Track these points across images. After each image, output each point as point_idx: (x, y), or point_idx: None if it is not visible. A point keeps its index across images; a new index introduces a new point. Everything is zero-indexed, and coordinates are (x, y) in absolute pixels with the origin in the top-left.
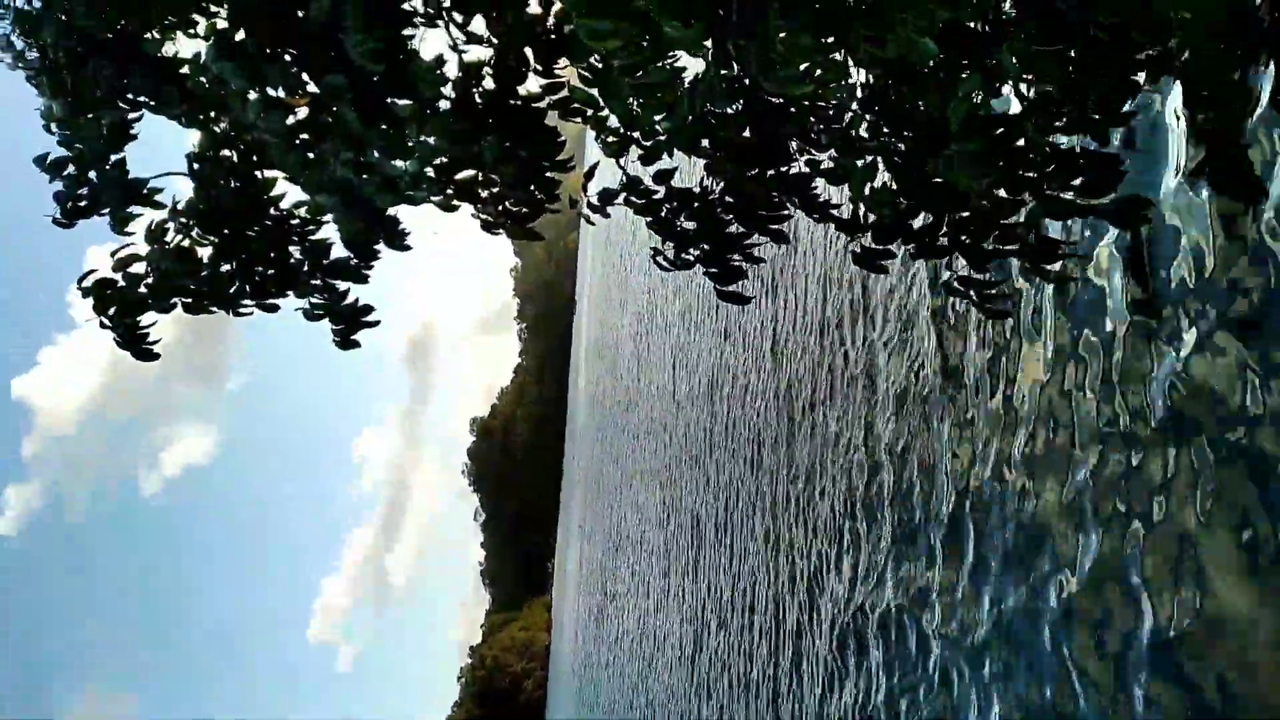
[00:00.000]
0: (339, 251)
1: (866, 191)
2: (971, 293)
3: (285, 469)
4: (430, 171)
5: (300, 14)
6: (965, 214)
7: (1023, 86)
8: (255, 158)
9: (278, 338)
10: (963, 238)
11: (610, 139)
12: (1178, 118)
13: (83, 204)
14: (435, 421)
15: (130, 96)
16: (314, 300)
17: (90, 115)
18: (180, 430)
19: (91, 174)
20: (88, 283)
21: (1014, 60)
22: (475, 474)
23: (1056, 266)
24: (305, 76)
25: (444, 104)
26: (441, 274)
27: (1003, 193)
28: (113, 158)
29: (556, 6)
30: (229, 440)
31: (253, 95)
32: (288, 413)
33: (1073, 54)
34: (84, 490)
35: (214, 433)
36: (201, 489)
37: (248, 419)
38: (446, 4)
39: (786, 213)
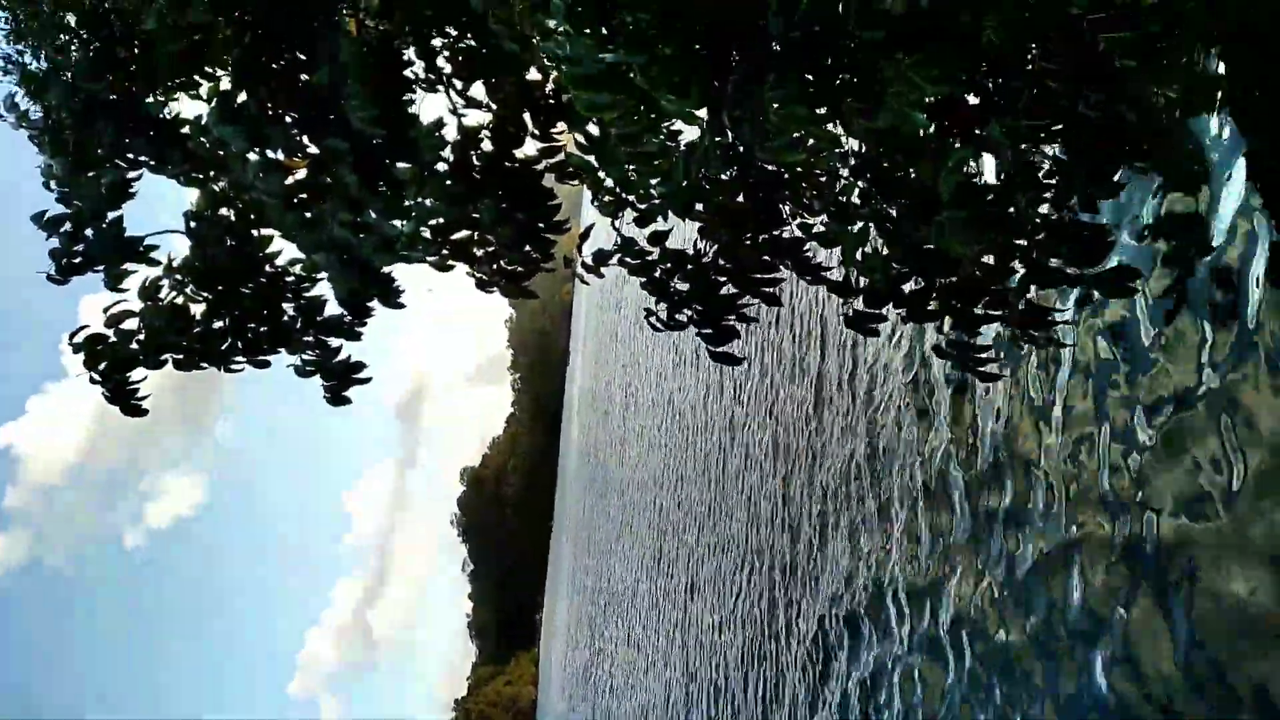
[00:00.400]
0: (332, 308)
1: (859, 256)
2: (962, 356)
3: (273, 519)
4: (426, 232)
5: (303, 78)
6: (955, 279)
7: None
8: (253, 216)
9: (268, 388)
10: (953, 303)
11: (606, 200)
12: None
13: (78, 260)
14: (426, 473)
15: (130, 156)
16: (305, 357)
17: (90, 174)
18: (167, 481)
19: (88, 231)
20: (79, 339)
21: (1003, 133)
22: (465, 525)
23: (1046, 333)
24: (305, 139)
25: (442, 166)
26: (435, 324)
27: (992, 259)
28: (110, 215)
29: (555, 74)
30: (216, 490)
31: (253, 156)
32: (277, 463)
33: (1061, 130)
34: (68, 540)
35: (201, 483)
36: (186, 539)
37: (236, 468)
38: (448, 70)
39: (779, 275)
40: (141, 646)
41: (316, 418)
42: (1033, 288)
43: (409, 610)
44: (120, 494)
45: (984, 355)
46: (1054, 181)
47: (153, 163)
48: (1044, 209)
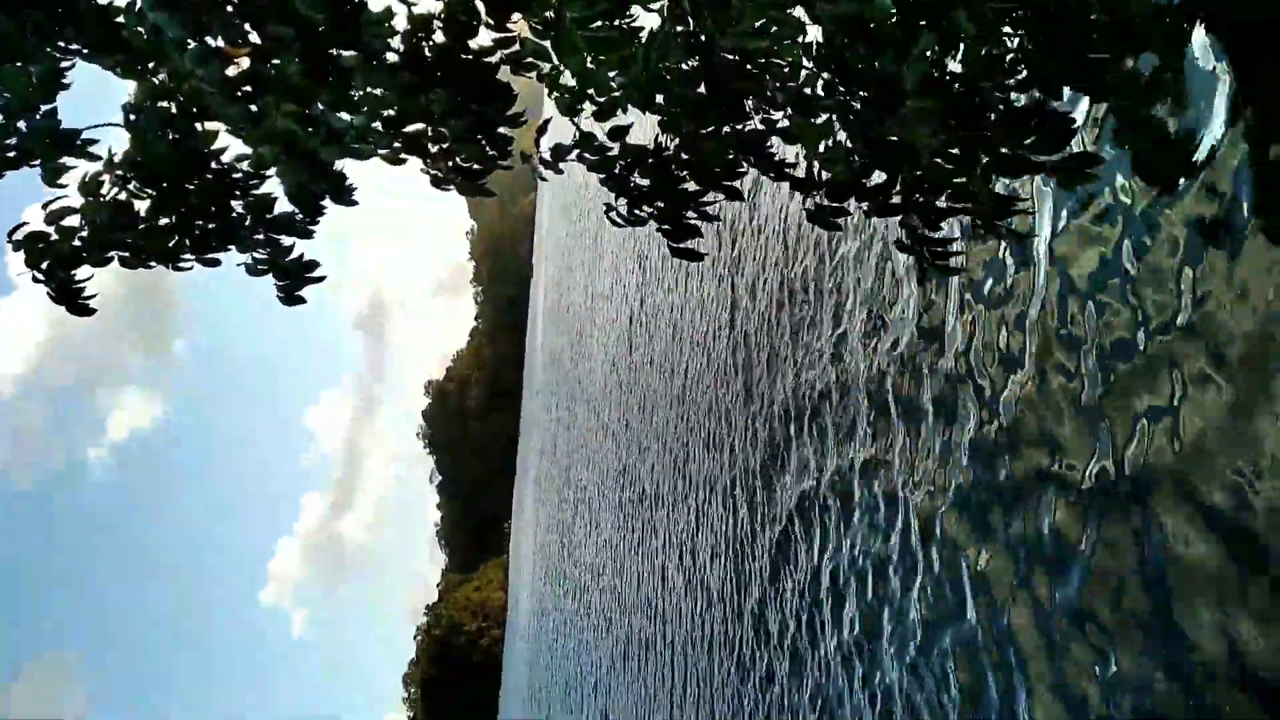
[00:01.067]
0: (283, 206)
1: (821, 149)
2: (923, 250)
3: (236, 435)
4: (378, 125)
5: None
6: (919, 172)
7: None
8: (195, 109)
9: (223, 301)
10: (916, 196)
11: (564, 95)
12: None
13: (11, 155)
14: (390, 386)
15: (62, 45)
16: (257, 255)
17: (19, 65)
18: (125, 396)
19: (21, 124)
20: (19, 235)
21: (970, 20)
22: (430, 437)
23: (1010, 223)
24: (247, 26)
25: (392, 57)
26: (394, 238)
27: (957, 151)
28: (44, 108)
29: None
30: (177, 405)
31: (191, 44)
32: (238, 378)
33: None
34: (26, 458)
35: (160, 399)
36: (150, 454)
37: (196, 384)
38: None
39: (742, 170)
40: (110, 559)
41: (274, 337)
42: (997, 178)
43: (377, 522)
44: (77, 409)
45: (945, 249)
46: (1021, 70)
47: (86, 52)
48: (1011, 98)
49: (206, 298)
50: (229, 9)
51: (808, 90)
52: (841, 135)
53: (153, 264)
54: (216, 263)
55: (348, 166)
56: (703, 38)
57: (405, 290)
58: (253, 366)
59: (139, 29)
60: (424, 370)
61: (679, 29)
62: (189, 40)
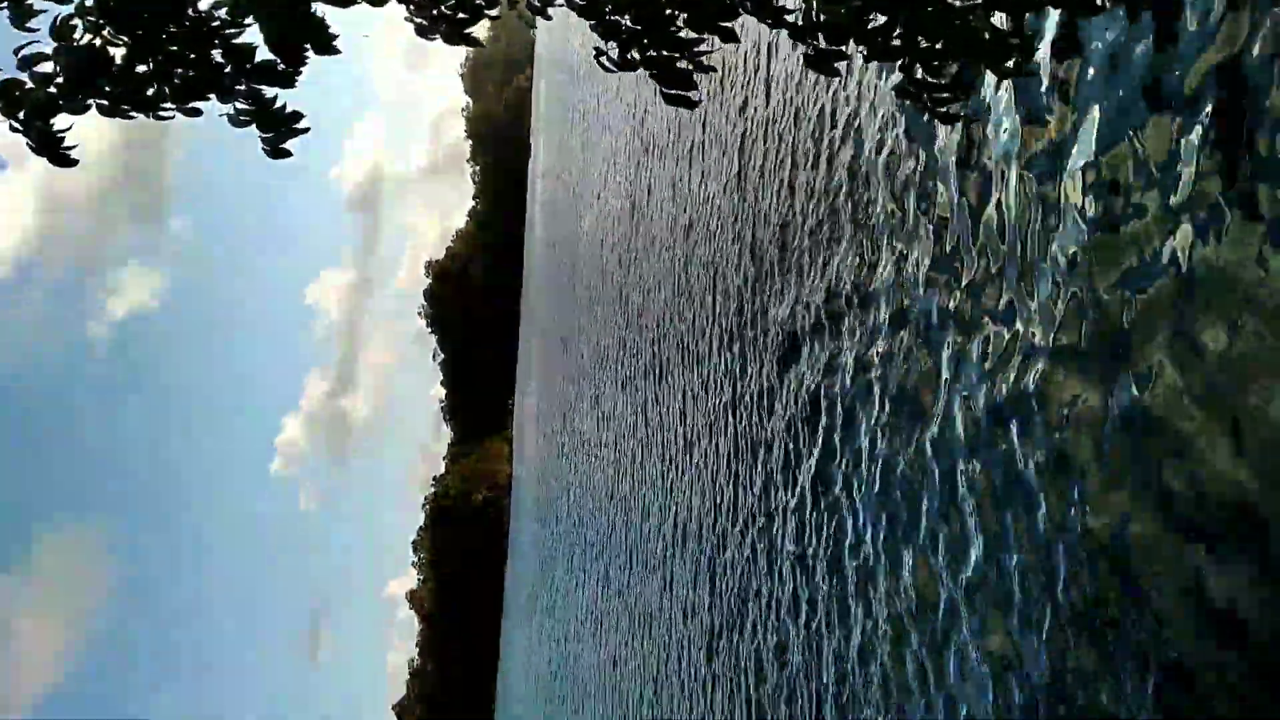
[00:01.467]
0: (263, 55)
1: None
2: (924, 96)
3: (236, 312)
4: None
5: None
6: (919, 13)
7: None
8: None
9: (217, 178)
10: (917, 38)
11: None
12: None
13: None
14: (388, 265)
15: None
16: (240, 105)
17: None
18: (124, 276)
19: None
20: None
21: None
22: (432, 316)
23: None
24: None
25: None
26: (389, 117)
27: None
28: None
29: None
30: (176, 284)
31: None
32: (235, 257)
33: None
34: (26, 339)
35: (158, 277)
36: (151, 332)
37: (193, 262)
38: None
39: (736, 11)
40: (119, 434)
41: (270, 216)
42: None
43: (381, 399)
44: (77, 288)
45: (946, 95)
46: None
47: None
48: None
49: (198, 174)
50: None
51: None
52: None
53: (132, 114)
54: (198, 112)
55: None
56: None
57: (402, 170)
58: (249, 244)
59: None
60: (423, 250)
61: None
62: None
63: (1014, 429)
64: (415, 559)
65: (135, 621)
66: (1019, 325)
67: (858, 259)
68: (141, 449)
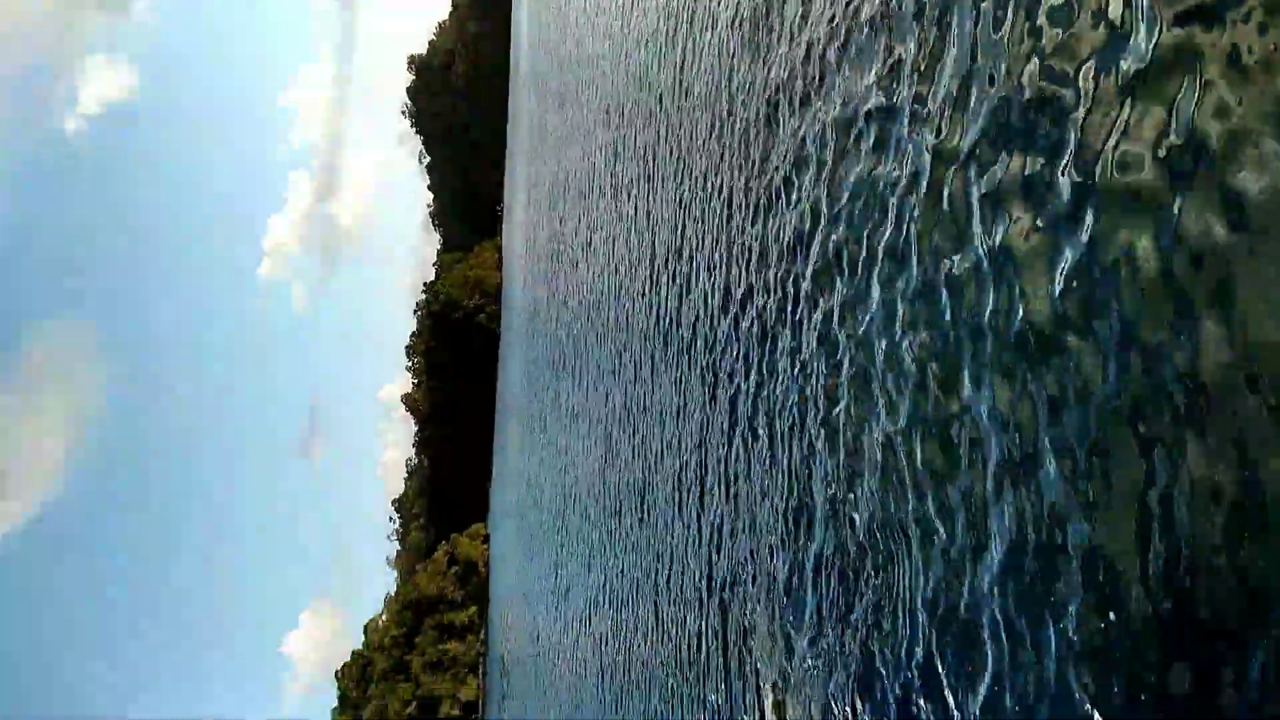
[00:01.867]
0: None
1: None
2: None
3: (214, 108)
4: None
5: None
6: None
7: None
8: None
9: None
10: None
11: None
12: None
13: None
14: (369, 60)
15: None
16: None
17: None
18: (92, 67)
19: None
20: None
21: None
22: (416, 115)
23: None
24: None
25: None
26: None
27: None
28: None
29: None
30: (148, 77)
31: None
32: (206, 49)
33: None
34: None
35: (129, 69)
36: (127, 128)
37: (164, 52)
38: None
39: None
40: (104, 231)
41: (240, 6)
42: None
43: (368, 202)
44: (45, 81)
45: None
46: None
47: None
48: None
49: None
50: None
51: None
52: None
53: None
54: None
55: None
56: None
57: None
58: (220, 36)
59: None
60: (404, 44)
61: None
62: None
63: None
64: (410, 363)
65: (129, 424)
66: None
67: None
68: (126, 248)
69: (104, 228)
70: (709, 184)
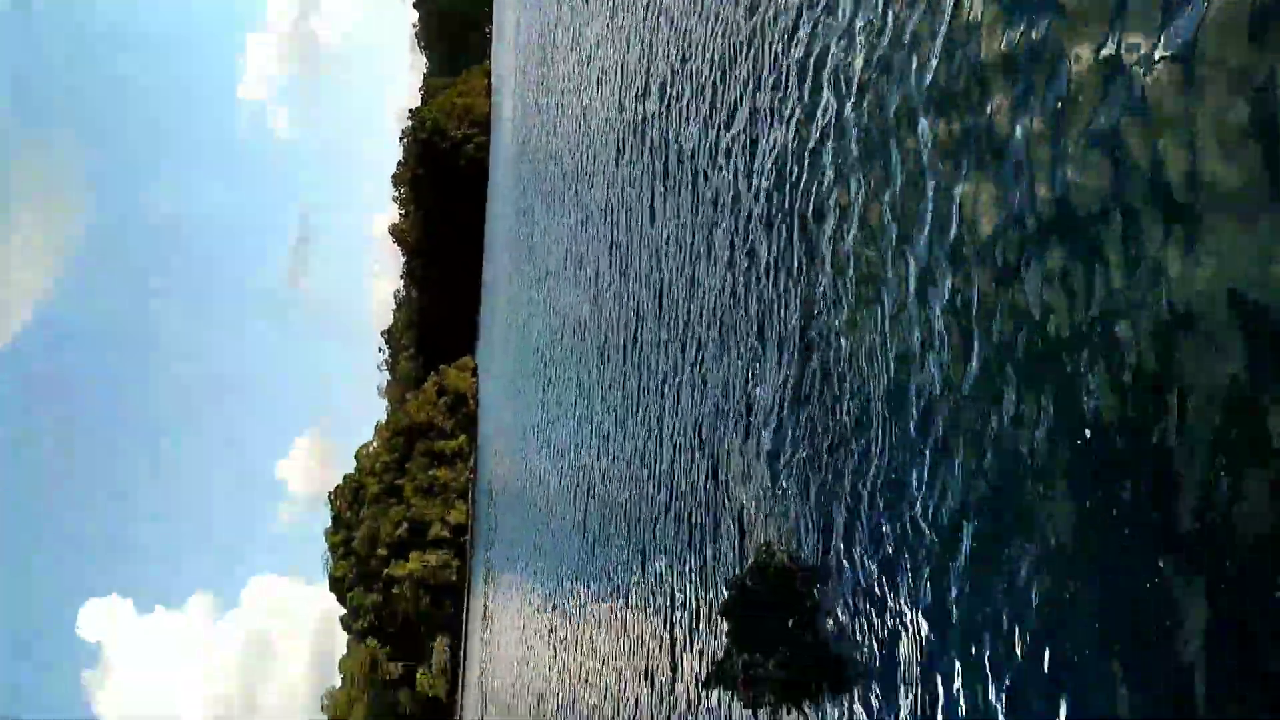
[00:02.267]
0: None
1: None
2: None
3: None
4: None
5: None
6: None
7: None
8: None
9: None
10: None
11: None
12: None
13: None
14: None
15: None
16: None
17: None
18: None
19: None
20: None
21: None
22: None
23: None
24: None
25: None
26: None
27: None
28: None
29: None
30: None
31: None
32: None
33: None
34: None
35: None
36: None
37: None
38: None
39: None
40: (60, 38)
41: None
42: None
43: (353, 19)
44: None
45: None
46: None
47: None
48: None
49: None
50: None
51: None
52: None
53: None
54: None
55: None
56: None
57: None
58: None
59: None
60: None
61: None
62: None
63: None
64: (396, 193)
65: (115, 234)
66: None
67: None
68: (105, 55)
69: (74, 38)
70: None
